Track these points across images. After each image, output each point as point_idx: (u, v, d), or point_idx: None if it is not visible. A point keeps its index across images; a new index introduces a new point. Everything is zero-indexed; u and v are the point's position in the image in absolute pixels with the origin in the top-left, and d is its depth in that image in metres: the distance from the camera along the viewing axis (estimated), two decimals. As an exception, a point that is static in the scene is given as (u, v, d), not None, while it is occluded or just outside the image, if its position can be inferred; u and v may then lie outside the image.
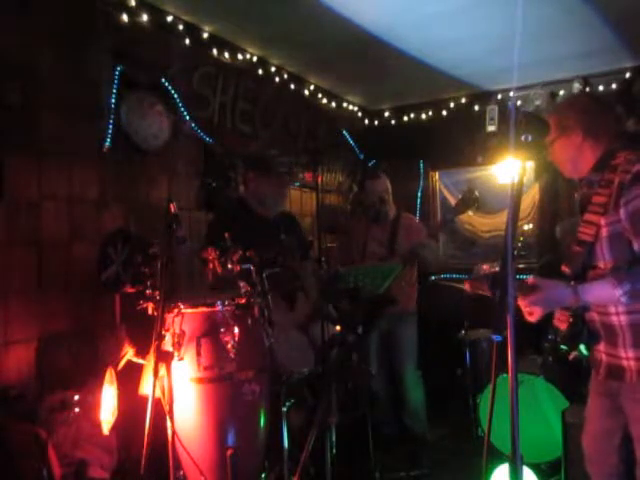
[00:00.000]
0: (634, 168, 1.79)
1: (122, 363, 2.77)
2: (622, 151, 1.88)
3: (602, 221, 1.83)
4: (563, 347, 1.98)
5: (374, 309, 3.32)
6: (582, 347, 1.96)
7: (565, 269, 1.99)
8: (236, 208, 3.28)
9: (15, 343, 2.71)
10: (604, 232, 1.83)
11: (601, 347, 1.93)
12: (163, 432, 2.08)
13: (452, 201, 5.52)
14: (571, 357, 2.06)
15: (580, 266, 1.92)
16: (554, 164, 2.10)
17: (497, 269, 2.13)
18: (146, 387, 2.42)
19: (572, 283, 1.86)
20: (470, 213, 4.64)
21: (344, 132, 5.45)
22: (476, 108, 5.22)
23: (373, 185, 3.82)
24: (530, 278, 1.88)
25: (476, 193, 3.43)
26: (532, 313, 1.84)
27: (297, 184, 4.72)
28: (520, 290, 1.85)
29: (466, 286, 2.24)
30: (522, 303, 1.83)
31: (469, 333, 4.00)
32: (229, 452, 2.23)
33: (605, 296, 1.80)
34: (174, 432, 2.09)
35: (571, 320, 1.91)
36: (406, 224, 3.88)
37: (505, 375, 1.44)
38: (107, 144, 3.12)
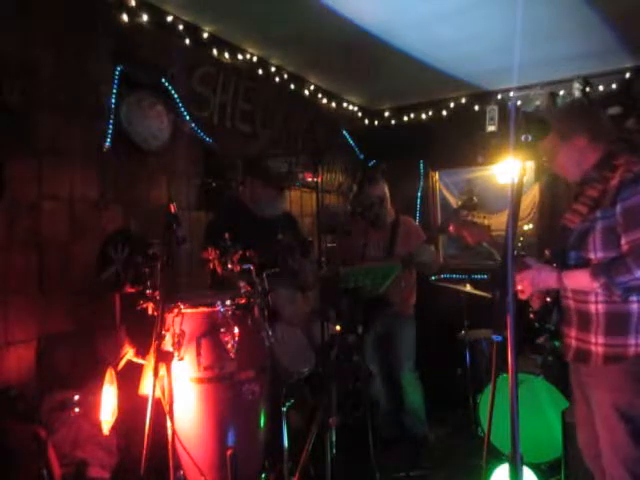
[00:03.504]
0: (636, 168, 1.90)
1: (122, 363, 2.76)
2: (623, 154, 1.99)
3: (598, 214, 1.94)
4: (536, 324, 2.15)
5: (372, 310, 3.32)
6: (556, 342, 2.12)
7: (546, 252, 2.14)
8: (235, 208, 3.28)
9: (15, 343, 2.71)
10: (598, 225, 1.93)
11: (572, 333, 2.06)
12: (163, 432, 2.08)
13: (452, 201, 5.52)
14: (540, 340, 2.21)
15: (561, 250, 2.06)
16: (555, 171, 2.21)
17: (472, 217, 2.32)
18: (146, 387, 2.42)
19: (554, 265, 2.04)
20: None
21: (344, 132, 5.45)
22: (476, 108, 5.22)
23: (370, 189, 3.83)
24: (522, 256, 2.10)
25: (475, 199, 3.44)
26: (523, 291, 2.06)
27: (297, 184, 4.72)
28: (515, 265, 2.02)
29: (450, 228, 2.34)
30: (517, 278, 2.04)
31: (469, 333, 4.00)
32: (229, 452, 2.24)
33: (584, 284, 1.95)
34: (174, 432, 2.09)
35: (546, 299, 2.11)
36: (405, 228, 3.87)
37: (505, 375, 1.44)
38: (107, 144, 3.12)
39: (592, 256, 1.95)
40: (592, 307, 1.97)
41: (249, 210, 3.16)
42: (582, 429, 2.15)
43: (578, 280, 1.96)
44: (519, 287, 2.06)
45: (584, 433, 2.13)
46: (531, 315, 2.15)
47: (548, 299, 2.11)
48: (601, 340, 1.94)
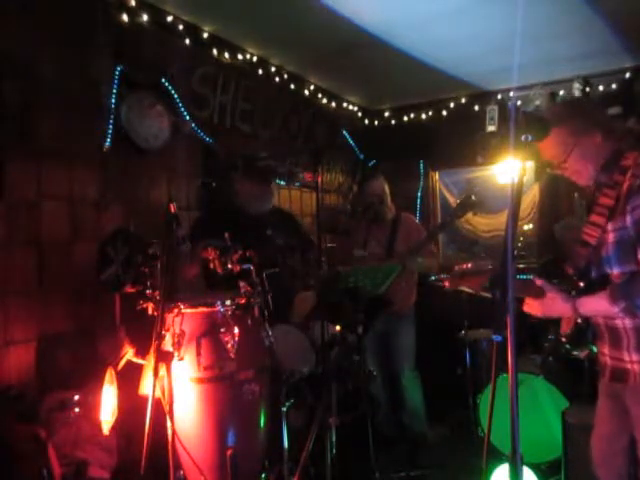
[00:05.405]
0: None
1: (122, 363, 2.76)
2: (631, 152, 1.84)
3: (609, 226, 1.81)
4: (567, 346, 2.04)
5: (373, 310, 3.31)
6: (593, 347, 2.00)
7: (569, 269, 1.99)
8: (226, 207, 3.26)
9: (15, 343, 2.71)
10: (610, 238, 1.81)
11: (606, 350, 1.93)
12: (163, 432, 2.08)
13: (452, 201, 5.52)
14: (583, 355, 2.08)
15: (584, 267, 1.92)
16: (568, 175, 2.00)
17: (470, 266, 2.22)
18: (146, 387, 2.42)
19: (581, 284, 1.90)
20: (470, 214, 4.64)
21: (344, 132, 5.45)
22: (476, 108, 5.22)
23: (369, 187, 3.83)
24: (538, 280, 1.92)
25: (473, 197, 3.43)
26: (531, 312, 1.95)
27: (297, 184, 4.72)
28: (527, 289, 1.92)
29: (446, 284, 2.26)
30: (527, 301, 1.93)
31: (469, 333, 3.99)
32: (229, 452, 2.24)
33: (603, 310, 1.82)
34: (174, 432, 2.09)
35: (577, 320, 1.96)
36: (406, 225, 3.88)
37: (505, 375, 1.44)
38: (107, 144, 3.12)
39: (609, 271, 1.84)
40: (619, 323, 1.85)
41: (237, 208, 3.14)
42: (604, 443, 2.01)
43: (595, 306, 1.83)
44: (526, 309, 1.96)
45: (606, 445, 1.99)
46: (562, 338, 2.04)
47: (579, 320, 1.97)
48: (635, 357, 1.82)
